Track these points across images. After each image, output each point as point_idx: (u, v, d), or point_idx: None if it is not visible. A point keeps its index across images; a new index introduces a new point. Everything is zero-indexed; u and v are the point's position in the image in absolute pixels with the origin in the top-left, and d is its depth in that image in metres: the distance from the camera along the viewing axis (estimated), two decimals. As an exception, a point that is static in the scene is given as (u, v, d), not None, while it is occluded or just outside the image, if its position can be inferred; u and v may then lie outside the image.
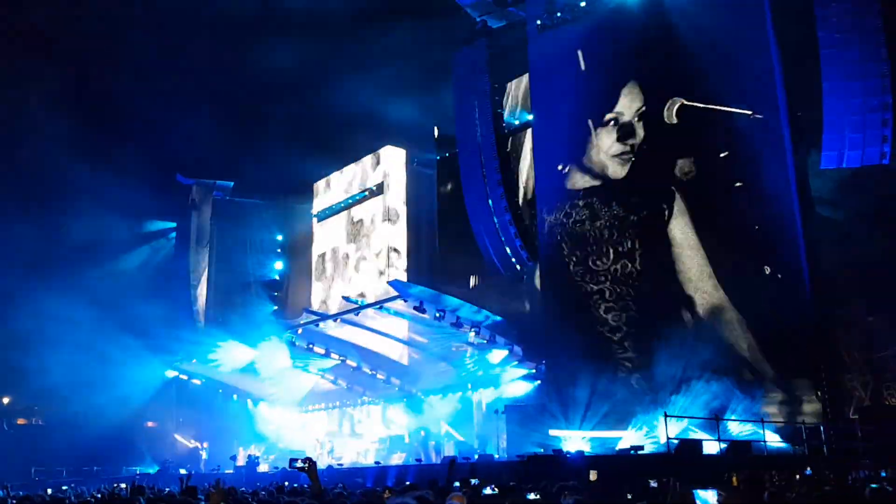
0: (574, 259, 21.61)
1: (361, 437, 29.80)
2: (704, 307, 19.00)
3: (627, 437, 18.64)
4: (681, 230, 19.80)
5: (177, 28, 30.57)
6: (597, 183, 21.49)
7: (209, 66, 30.94)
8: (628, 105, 21.18)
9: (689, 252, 19.56)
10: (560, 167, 22.41)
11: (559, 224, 22.11)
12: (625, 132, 21.04)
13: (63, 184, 30.66)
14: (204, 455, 32.42)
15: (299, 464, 4.88)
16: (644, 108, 20.83)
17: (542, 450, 19.06)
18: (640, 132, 20.88)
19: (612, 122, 21.25)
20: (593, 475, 11.94)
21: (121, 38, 30.25)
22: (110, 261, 35.54)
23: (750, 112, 18.62)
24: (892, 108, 16.70)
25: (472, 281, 28.33)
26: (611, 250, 20.97)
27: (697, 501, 2.82)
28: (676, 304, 19.52)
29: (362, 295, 31.08)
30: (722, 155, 19.21)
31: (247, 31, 30.73)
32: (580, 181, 21.76)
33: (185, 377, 35.63)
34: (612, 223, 21.11)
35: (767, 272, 17.95)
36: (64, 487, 18.31)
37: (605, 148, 21.37)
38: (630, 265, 20.59)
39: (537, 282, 24.25)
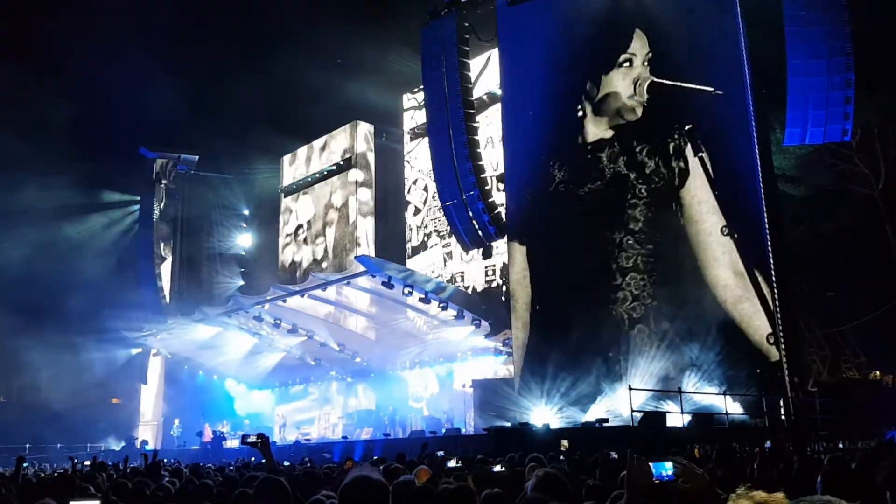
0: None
1: (329, 412, 29.83)
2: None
3: (593, 411, 18.88)
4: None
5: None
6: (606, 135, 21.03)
7: (175, 36, 30.33)
8: (640, 47, 20.72)
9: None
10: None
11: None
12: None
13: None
14: (176, 432, 32.11)
15: (252, 439, 4.81)
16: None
17: (508, 423, 19.24)
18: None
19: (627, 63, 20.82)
20: (565, 444, 12.12)
21: (84, 6, 29.36)
22: (69, 230, 34.79)
23: (712, 89, 18.75)
24: (855, 86, 16.88)
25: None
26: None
27: (654, 472, 2.86)
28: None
29: (322, 263, 30.96)
30: (687, 128, 19.29)
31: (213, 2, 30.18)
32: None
33: (150, 353, 35.34)
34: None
35: (725, 233, 18.14)
36: (25, 464, 18.00)
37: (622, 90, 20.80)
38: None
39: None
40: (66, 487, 5.77)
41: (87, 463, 13.93)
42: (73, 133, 31.27)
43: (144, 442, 31.78)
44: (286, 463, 11.93)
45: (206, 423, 29.86)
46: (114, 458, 23.88)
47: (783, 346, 17.35)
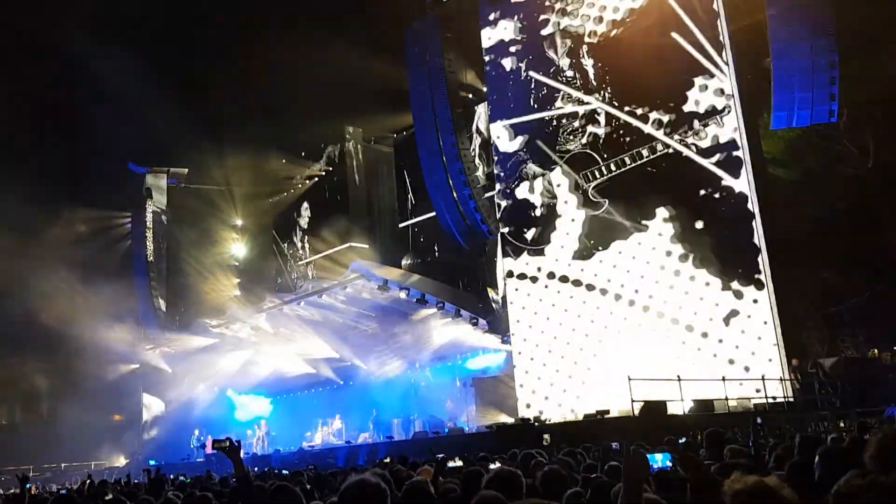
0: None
1: (331, 418, 29.74)
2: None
3: (595, 402, 18.86)
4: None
5: (127, 14, 29.92)
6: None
7: (162, 49, 30.35)
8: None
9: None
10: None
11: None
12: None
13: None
14: (195, 444, 31.97)
15: (223, 444, 4.74)
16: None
17: (511, 420, 19.26)
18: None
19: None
20: (547, 438, 12.14)
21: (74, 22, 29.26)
22: (60, 247, 34.66)
23: None
24: (840, 67, 16.90)
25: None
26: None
27: (651, 463, 2.87)
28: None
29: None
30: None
31: (198, 12, 30.15)
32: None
33: (150, 367, 35.27)
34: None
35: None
36: (28, 486, 17.96)
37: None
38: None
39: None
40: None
41: (88, 482, 13.92)
42: (63, 150, 31.26)
43: (149, 458, 31.69)
44: (284, 472, 11.95)
45: (209, 435, 29.77)
46: (118, 475, 23.85)
47: (780, 328, 17.40)
